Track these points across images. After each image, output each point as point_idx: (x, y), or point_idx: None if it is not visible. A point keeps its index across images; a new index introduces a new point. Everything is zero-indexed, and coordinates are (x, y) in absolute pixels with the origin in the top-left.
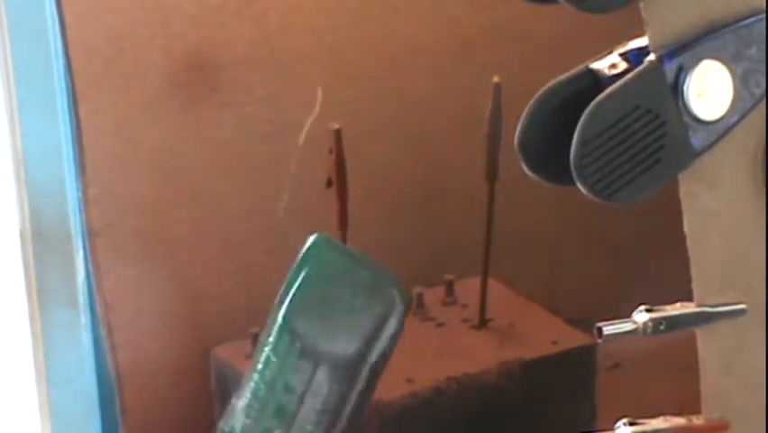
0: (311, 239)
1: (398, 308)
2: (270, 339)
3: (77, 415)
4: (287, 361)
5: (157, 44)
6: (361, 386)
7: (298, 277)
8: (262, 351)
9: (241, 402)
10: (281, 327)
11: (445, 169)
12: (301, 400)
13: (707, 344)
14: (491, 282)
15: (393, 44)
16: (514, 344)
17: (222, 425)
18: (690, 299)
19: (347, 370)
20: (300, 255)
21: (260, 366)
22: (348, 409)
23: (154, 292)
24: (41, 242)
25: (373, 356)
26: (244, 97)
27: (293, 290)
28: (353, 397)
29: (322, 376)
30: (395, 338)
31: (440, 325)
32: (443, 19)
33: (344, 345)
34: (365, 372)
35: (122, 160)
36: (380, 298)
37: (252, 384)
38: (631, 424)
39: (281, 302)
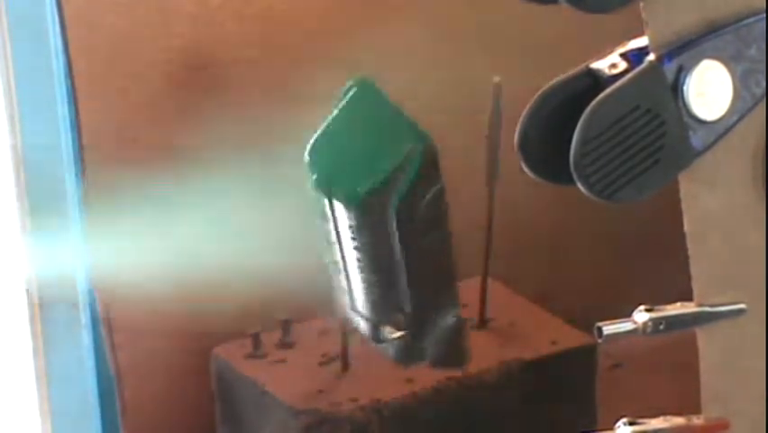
0: (352, 82)
1: (416, 159)
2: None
3: (77, 415)
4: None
5: (157, 44)
6: (396, 233)
7: (330, 116)
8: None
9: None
10: (307, 162)
11: (445, 169)
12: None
13: (707, 343)
14: (491, 282)
15: (393, 44)
16: (514, 344)
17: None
18: (690, 299)
19: (363, 210)
20: (342, 96)
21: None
22: (386, 253)
23: (154, 292)
24: (41, 242)
25: (393, 199)
26: (244, 97)
27: (321, 128)
28: (390, 242)
29: (342, 213)
30: (420, 186)
31: None
32: (443, 19)
33: (355, 184)
34: (390, 215)
35: (122, 160)
36: (401, 147)
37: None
38: (631, 424)
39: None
